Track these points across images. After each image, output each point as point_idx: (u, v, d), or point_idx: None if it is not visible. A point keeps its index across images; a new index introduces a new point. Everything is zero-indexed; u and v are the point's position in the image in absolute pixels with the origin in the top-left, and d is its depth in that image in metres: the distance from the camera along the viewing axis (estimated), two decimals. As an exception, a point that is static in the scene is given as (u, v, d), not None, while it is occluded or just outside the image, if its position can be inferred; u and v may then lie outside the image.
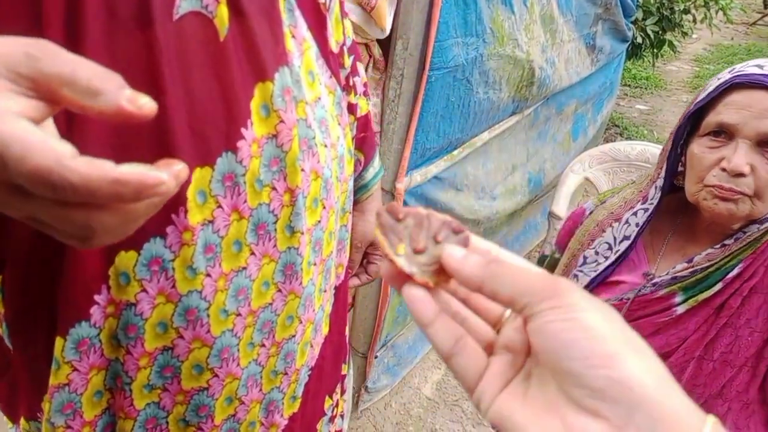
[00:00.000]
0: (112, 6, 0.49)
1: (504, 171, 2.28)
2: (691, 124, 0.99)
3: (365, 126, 0.95)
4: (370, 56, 1.62)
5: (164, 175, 0.34)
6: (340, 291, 0.90)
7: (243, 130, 0.60)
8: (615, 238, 1.11)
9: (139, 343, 0.61)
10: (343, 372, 0.97)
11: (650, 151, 2.09)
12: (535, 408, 0.35)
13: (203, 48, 0.55)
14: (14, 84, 0.34)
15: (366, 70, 1.63)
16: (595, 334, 0.33)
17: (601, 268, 1.13)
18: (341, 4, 0.81)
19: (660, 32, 3.94)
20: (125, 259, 0.57)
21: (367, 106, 0.95)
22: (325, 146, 0.72)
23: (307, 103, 0.67)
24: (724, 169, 0.89)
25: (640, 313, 1.04)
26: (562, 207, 2.06)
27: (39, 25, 0.46)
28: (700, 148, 0.94)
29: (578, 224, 1.22)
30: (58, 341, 0.58)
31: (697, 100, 0.96)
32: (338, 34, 0.79)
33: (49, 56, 0.35)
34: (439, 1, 1.43)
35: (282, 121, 0.63)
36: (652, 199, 1.05)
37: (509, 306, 0.37)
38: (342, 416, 1.01)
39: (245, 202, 0.62)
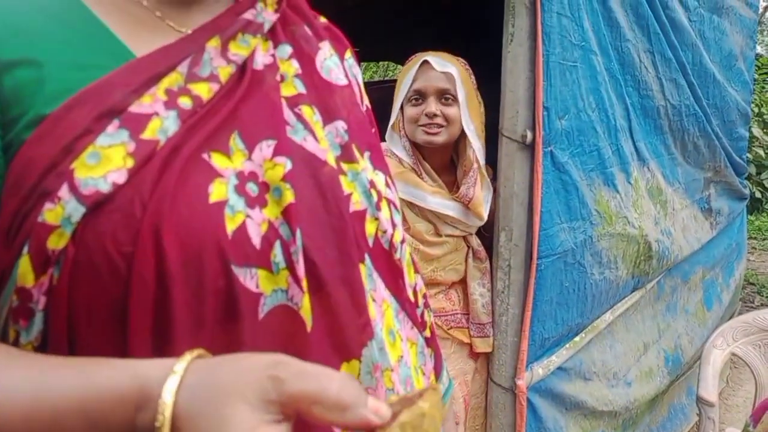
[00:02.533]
0: (199, 310, 0.49)
1: (635, 352, 2.08)
2: None
3: (430, 340, 0.88)
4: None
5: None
6: None
7: None
8: None
9: None
10: None
11: (802, 316, 1.84)
12: None
13: (289, 341, 0.54)
14: (266, 413, 0.37)
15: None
16: None
17: None
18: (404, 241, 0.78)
19: (779, 184, 3.73)
20: None
21: (430, 318, 0.88)
22: None
23: (392, 369, 0.64)
24: None
25: None
26: (711, 390, 1.80)
27: (125, 331, 0.47)
28: None
29: None
30: None
31: None
32: (411, 276, 0.77)
33: (294, 376, 0.38)
34: (539, 192, 1.43)
35: None
36: None
37: None
38: None
39: None
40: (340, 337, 0.57)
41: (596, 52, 1.58)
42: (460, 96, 1.50)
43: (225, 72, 0.56)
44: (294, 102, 0.61)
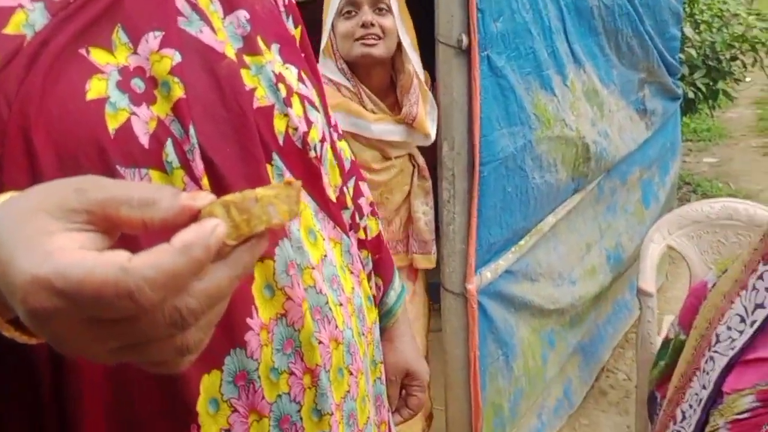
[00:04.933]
0: None
1: (578, 252, 2.17)
2: None
3: (378, 247, 0.89)
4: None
5: (213, 222, 0.35)
6: None
7: (248, 320, 0.56)
8: (746, 308, 1.01)
9: None
10: None
11: (731, 206, 1.93)
12: None
13: None
14: (69, 222, 0.35)
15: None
16: None
17: (738, 344, 1.02)
18: (333, 144, 0.76)
19: (711, 83, 3.84)
20: None
21: (377, 226, 0.89)
22: (341, 305, 0.67)
23: (314, 267, 0.63)
24: None
25: None
26: (650, 281, 1.91)
27: None
28: None
29: (701, 299, 1.13)
30: None
31: None
32: (335, 177, 0.75)
33: (98, 185, 0.36)
34: (477, 98, 1.43)
35: (289, 298, 0.59)
36: None
37: None
38: None
39: (263, 398, 0.58)
40: None
41: (527, -50, 1.55)
42: (394, 7, 1.46)
43: None
44: None
